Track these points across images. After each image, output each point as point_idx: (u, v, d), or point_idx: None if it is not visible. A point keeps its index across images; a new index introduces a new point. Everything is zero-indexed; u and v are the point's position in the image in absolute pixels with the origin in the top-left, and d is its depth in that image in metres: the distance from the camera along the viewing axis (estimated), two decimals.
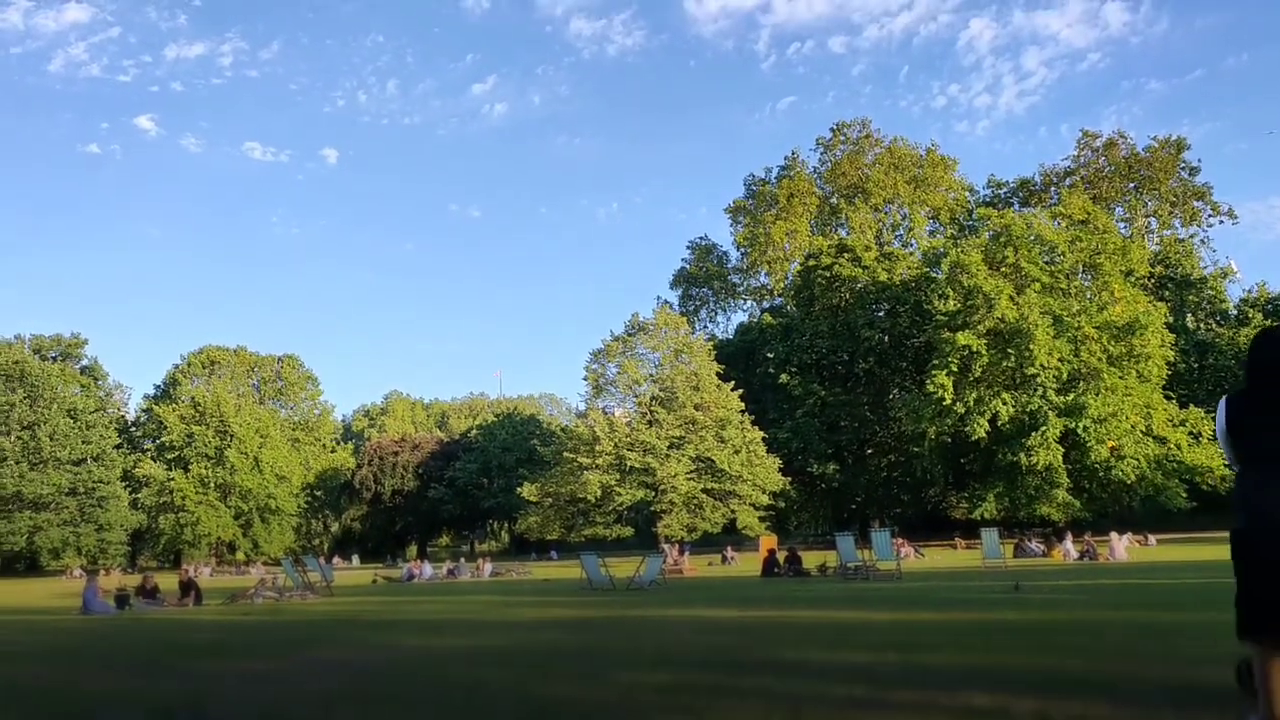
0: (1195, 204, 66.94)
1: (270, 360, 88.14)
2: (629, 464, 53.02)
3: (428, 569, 40.08)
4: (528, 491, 56.11)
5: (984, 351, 49.39)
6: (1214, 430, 45.33)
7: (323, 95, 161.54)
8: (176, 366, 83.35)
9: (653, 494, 53.56)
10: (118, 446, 74.96)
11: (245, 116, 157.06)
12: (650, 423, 55.20)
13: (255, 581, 29.30)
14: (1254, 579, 4.10)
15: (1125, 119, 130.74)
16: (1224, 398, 4.48)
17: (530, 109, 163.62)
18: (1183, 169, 66.57)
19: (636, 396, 58.09)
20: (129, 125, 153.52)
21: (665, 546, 47.18)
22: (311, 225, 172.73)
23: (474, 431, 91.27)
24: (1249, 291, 65.33)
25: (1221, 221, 67.70)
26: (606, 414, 57.18)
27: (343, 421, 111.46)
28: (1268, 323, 59.50)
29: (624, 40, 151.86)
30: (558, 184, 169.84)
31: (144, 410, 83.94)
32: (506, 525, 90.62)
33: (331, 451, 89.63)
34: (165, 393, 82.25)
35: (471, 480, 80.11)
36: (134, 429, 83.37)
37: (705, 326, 76.54)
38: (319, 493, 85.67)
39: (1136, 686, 5.07)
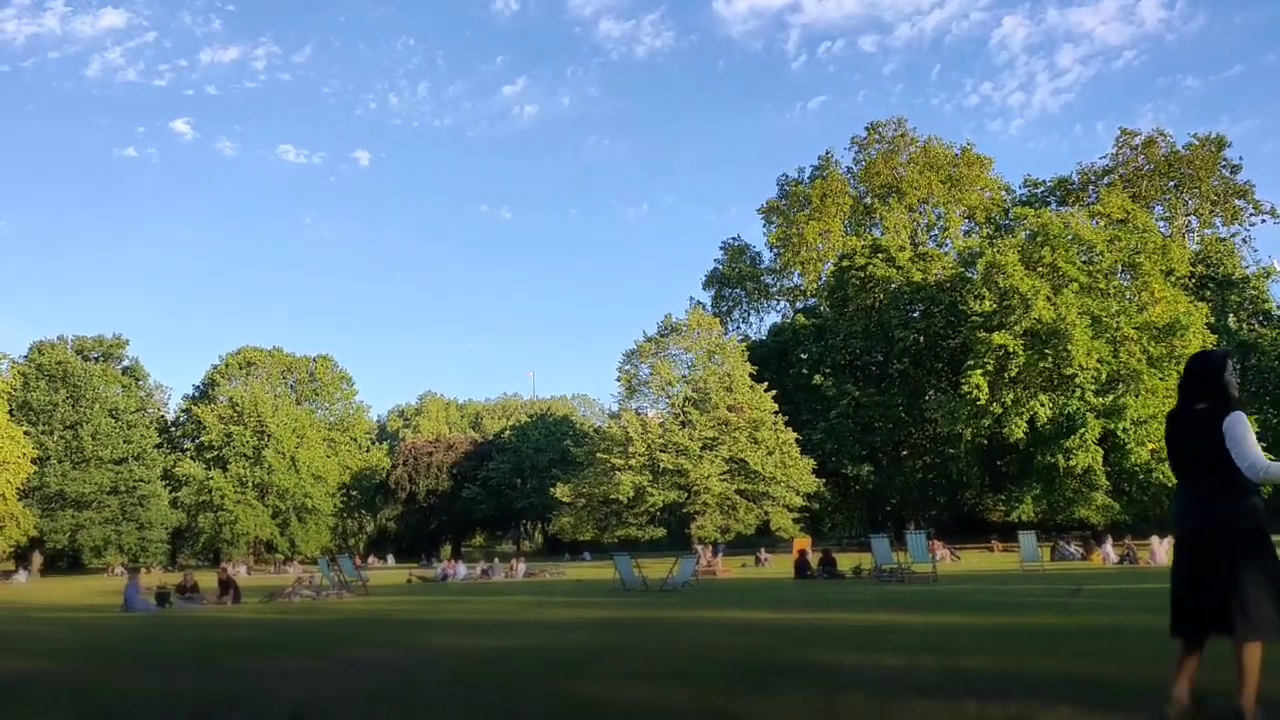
0: (1237, 202, 65.87)
1: (305, 361, 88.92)
2: (662, 465, 52.98)
3: (461, 569, 40.31)
4: (561, 492, 56.24)
5: (1020, 352, 48.87)
6: (1256, 433, 44.99)
7: (355, 98, 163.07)
8: (214, 367, 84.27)
9: (686, 495, 53.48)
10: (158, 446, 75.97)
11: (279, 120, 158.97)
12: (683, 424, 55.12)
13: (292, 580, 29.62)
14: (1172, 584, 4.82)
15: (1162, 116, 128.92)
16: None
17: (560, 110, 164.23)
18: (1223, 167, 65.53)
19: (669, 397, 58.03)
20: (165, 129, 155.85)
21: (698, 548, 47.10)
22: (344, 227, 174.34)
23: (507, 432, 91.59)
24: None
25: (1264, 220, 66.53)
26: (639, 415, 57.17)
27: (378, 422, 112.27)
28: None
29: (653, 41, 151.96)
30: (588, 185, 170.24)
31: (183, 410, 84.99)
32: (540, 526, 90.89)
33: (366, 451, 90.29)
34: (204, 393, 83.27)
35: (505, 480, 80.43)
36: (173, 429, 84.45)
37: (738, 327, 76.35)
38: (354, 492, 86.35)
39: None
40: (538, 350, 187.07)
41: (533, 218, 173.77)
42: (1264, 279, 63.56)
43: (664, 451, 53.18)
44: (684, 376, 58.16)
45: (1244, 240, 66.11)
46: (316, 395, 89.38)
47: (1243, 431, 4.63)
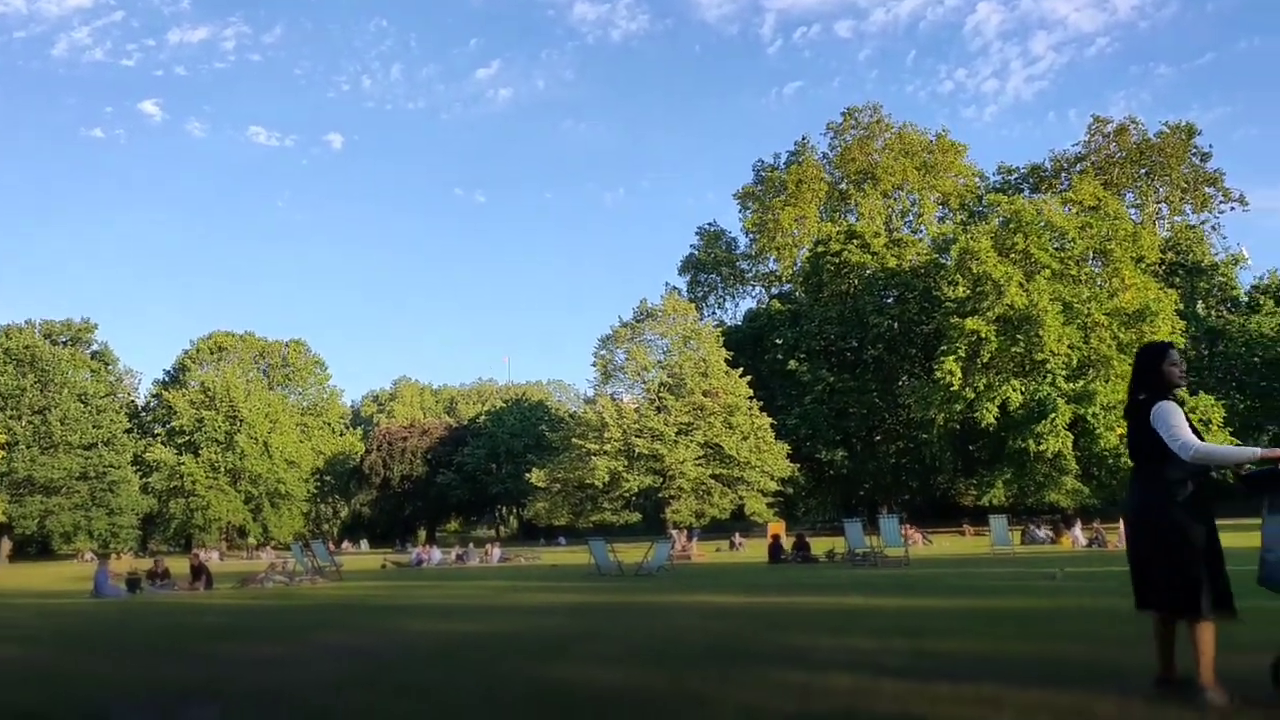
0: (1206, 190, 66.50)
1: (278, 345, 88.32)
2: (637, 450, 53.10)
3: (436, 554, 40.23)
4: (536, 477, 56.24)
5: (993, 338, 49.26)
6: (1223, 418, 45.28)
7: (326, 80, 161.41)
8: (185, 352, 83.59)
9: (661, 480, 53.64)
10: (128, 431, 75.28)
11: (249, 101, 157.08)
12: (658, 409, 55.24)
13: (265, 566, 29.49)
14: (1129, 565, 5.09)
15: (1134, 104, 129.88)
16: None
17: (535, 94, 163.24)
18: (1194, 155, 66.12)
19: (645, 383, 58.12)
20: (133, 110, 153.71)
21: (673, 532, 47.24)
22: (317, 210, 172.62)
23: (482, 417, 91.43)
24: (1260, 278, 64.94)
25: (1233, 208, 67.19)
26: (615, 400, 57.24)
27: (352, 407, 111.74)
28: (1279, 310, 59.25)
29: (628, 25, 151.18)
30: (563, 169, 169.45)
31: (154, 395, 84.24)
32: (515, 511, 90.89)
33: (340, 436, 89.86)
34: (174, 378, 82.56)
35: (480, 466, 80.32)
36: (144, 414, 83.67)
37: (713, 313, 76.47)
38: (328, 478, 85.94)
39: (1142, 675, 5.09)
40: (513, 335, 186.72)
41: (508, 202, 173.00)
42: (1232, 266, 64.34)
43: (639, 436, 53.28)
44: (659, 362, 58.24)
45: (1213, 228, 66.85)
46: (289, 380, 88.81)
47: (1168, 416, 4.83)
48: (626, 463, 53.32)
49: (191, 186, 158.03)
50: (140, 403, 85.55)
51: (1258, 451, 4.75)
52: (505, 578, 23.77)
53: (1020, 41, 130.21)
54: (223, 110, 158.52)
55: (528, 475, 58.14)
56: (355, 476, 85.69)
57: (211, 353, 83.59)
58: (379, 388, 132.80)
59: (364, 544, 72.59)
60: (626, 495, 54.80)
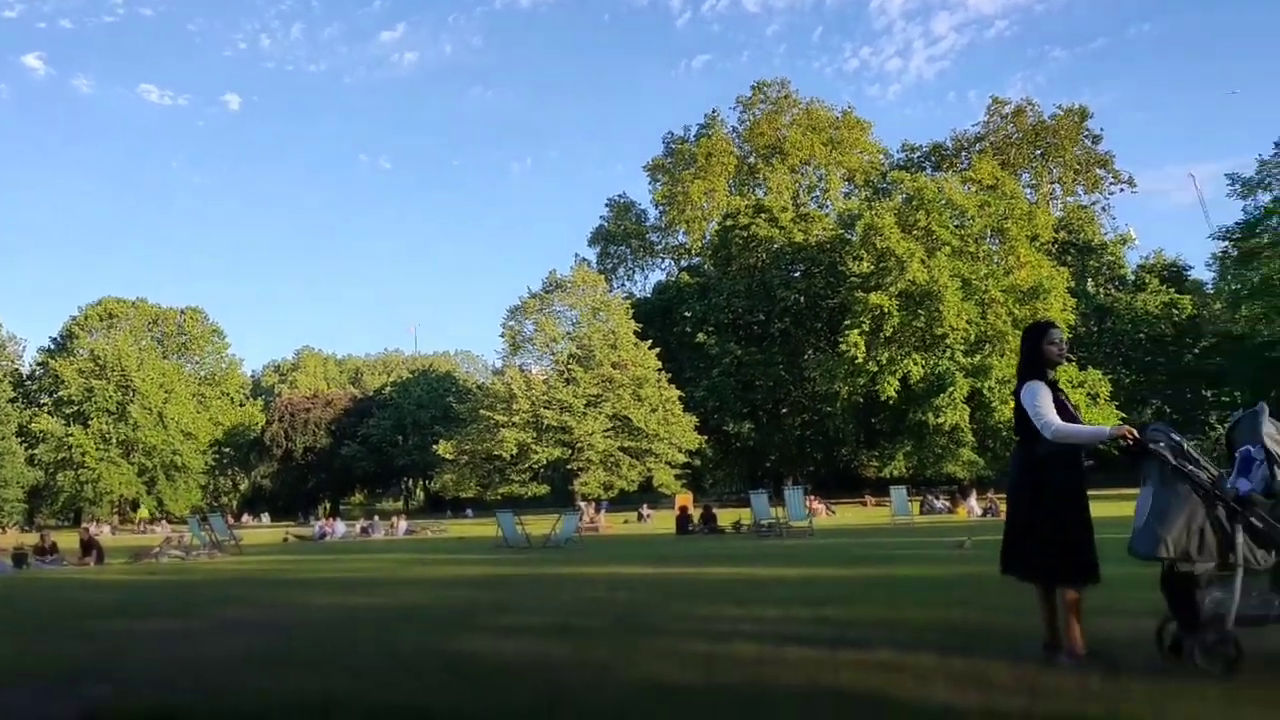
0: (1098, 172, 68.88)
1: (173, 313, 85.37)
2: (546, 422, 52.98)
3: (341, 527, 39.63)
4: (443, 449, 55.71)
5: (895, 312, 50.41)
6: (1109, 391, 47.05)
7: (223, 38, 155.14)
8: (73, 319, 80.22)
9: (569, 452, 53.65)
10: (12, 401, 72.10)
11: (140, 57, 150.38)
12: (567, 381, 55.16)
13: (160, 540, 28.65)
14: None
15: (1031, 87, 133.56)
16: None
17: (441, 59, 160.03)
18: (1086, 137, 68.36)
19: (554, 354, 57.95)
20: (15, 64, 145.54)
21: (581, 504, 47.44)
22: (214, 173, 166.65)
23: (388, 388, 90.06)
24: (1146, 258, 67.86)
25: (1122, 189, 69.80)
26: (523, 371, 56.95)
27: (252, 377, 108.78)
28: (1163, 289, 61.92)
29: None
30: (471, 137, 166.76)
31: (39, 364, 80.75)
32: (422, 483, 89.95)
33: (240, 407, 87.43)
34: (62, 346, 79.19)
35: (386, 437, 79.20)
36: (29, 383, 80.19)
37: (623, 285, 76.51)
38: (227, 450, 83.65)
39: (1034, 641, 5.29)
40: (420, 305, 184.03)
41: (414, 169, 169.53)
42: (1120, 246, 66.96)
43: (548, 408, 53.15)
44: (568, 333, 58.10)
45: (1103, 208, 69.41)
46: (186, 349, 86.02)
47: (1033, 397, 5.13)
48: (535, 435, 53.17)
49: (79, 145, 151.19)
50: (25, 371, 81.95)
51: (1107, 431, 5.07)
52: (411, 550, 23.54)
53: (923, 22, 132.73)
54: (112, 66, 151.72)
55: (435, 447, 57.57)
56: (256, 448, 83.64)
57: (101, 320, 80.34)
58: (281, 357, 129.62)
59: (265, 517, 71.00)
60: (535, 467, 54.69)
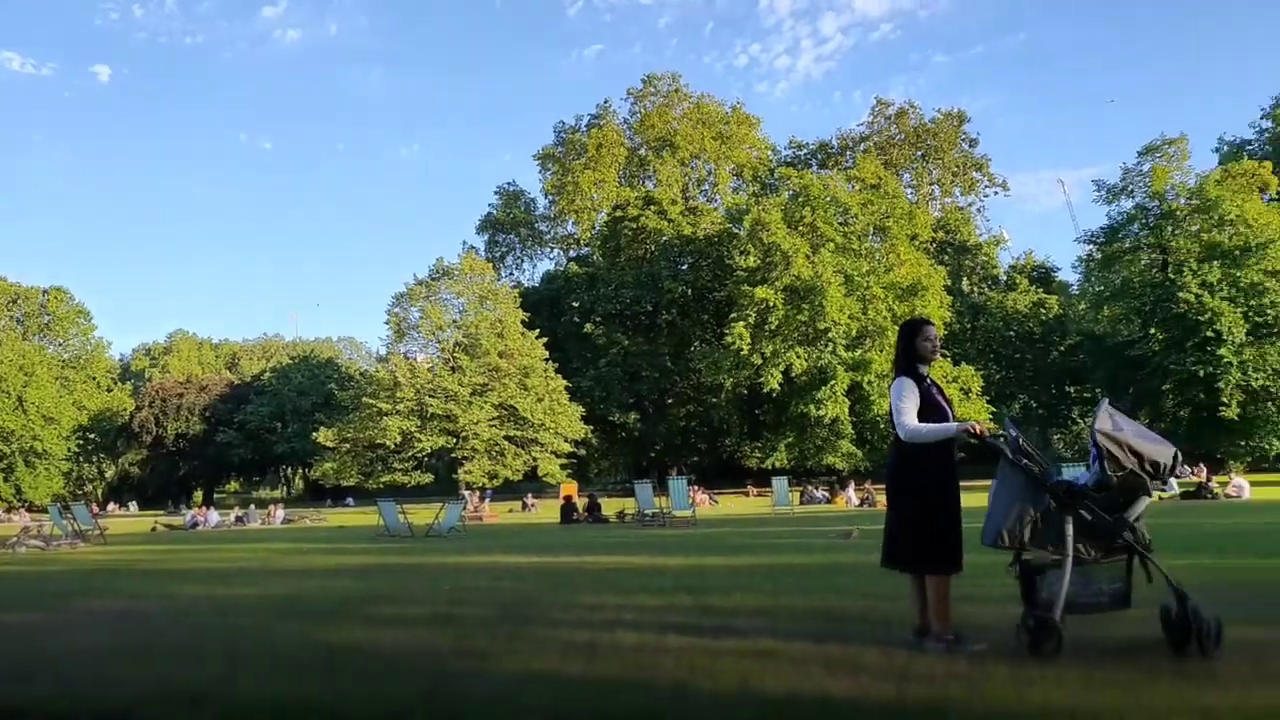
0: (974, 174, 71.51)
1: (34, 293, 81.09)
2: (430, 410, 52.29)
3: (214, 516, 38.42)
4: (324, 436, 54.44)
5: (780, 306, 51.37)
6: (981, 386, 48.89)
7: (92, 6, 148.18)
8: None
9: (454, 441, 53.08)
10: None
11: (0, 23, 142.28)
12: (453, 369, 54.55)
13: (18, 530, 27.24)
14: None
15: (913, 90, 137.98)
16: None
17: (326, 38, 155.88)
18: (964, 141, 70.90)
19: (440, 342, 57.21)
20: None
21: (466, 493, 47.02)
22: (81, 147, 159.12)
23: (267, 374, 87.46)
24: (1017, 259, 70.90)
25: (996, 192, 72.67)
26: (408, 359, 56.07)
27: (120, 361, 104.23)
28: (1033, 289, 64.75)
29: None
30: (356, 119, 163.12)
31: None
32: (301, 471, 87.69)
33: (108, 392, 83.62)
34: None
35: (263, 424, 76.90)
36: None
37: (511, 274, 75.99)
38: (93, 436, 79.94)
39: (907, 625, 5.49)
40: (302, 290, 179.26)
41: (296, 150, 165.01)
42: (994, 247, 69.74)
43: (433, 396, 52.46)
44: (455, 321, 57.40)
45: (979, 210, 72.11)
46: (48, 330, 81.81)
47: (896, 397, 5.37)
48: (419, 423, 52.43)
49: None
50: None
51: (954, 428, 5.27)
52: (289, 540, 22.94)
53: (811, 22, 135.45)
54: None
55: (315, 435, 56.19)
56: (123, 434, 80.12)
57: None
58: (152, 340, 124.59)
59: (133, 506, 68.21)
60: (418, 456, 53.94)
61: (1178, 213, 50.93)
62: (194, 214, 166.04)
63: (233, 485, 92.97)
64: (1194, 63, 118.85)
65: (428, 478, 57.74)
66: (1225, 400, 45.96)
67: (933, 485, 5.28)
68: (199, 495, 79.23)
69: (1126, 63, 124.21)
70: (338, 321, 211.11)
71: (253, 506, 46.83)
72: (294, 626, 7.04)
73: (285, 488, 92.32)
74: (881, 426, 51.64)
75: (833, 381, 50.29)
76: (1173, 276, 49.93)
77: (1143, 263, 53.98)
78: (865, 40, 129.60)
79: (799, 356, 51.39)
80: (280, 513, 39.14)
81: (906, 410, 5.26)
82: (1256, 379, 46.35)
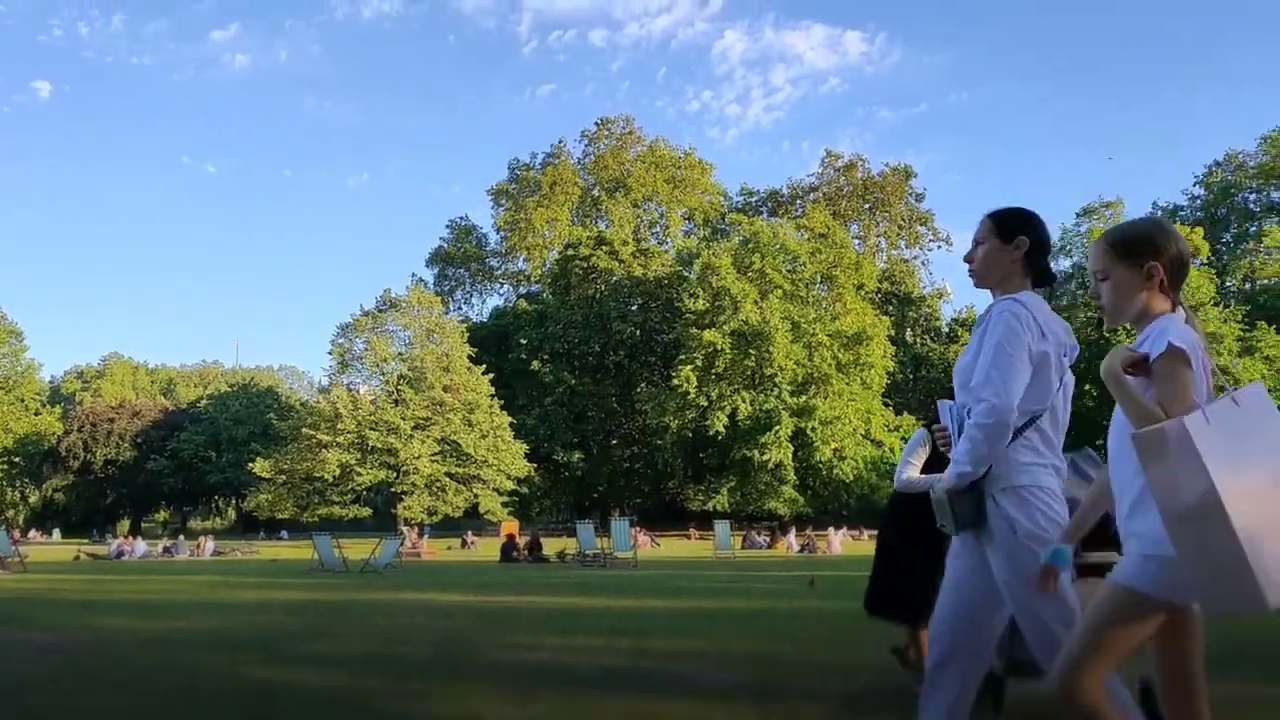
0: (919, 228, 72.91)
1: None
2: (371, 443, 51.61)
3: (141, 546, 37.38)
4: (260, 467, 53.39)
5: (727, 350, 51.71)
6: None
7: (36, 22, 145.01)
8: None
9: (394, 475, 52.40)
10: None
11: None
12: (396, 402, 53.97)
13: None
14: None
15: (859, 143, 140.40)
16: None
17: (276, 65, 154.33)
18: (910, 195, 72.32)
19: (384, 374, 56.66)
20: None
21: (404, 529, 46.33)
22: (17, 165, 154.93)
23: (204, 401, 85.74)
24: (959, 312, 72.12)
25: (940, 246, 74.12)
26: (351, 391, 55.39)
27: (51, 383, 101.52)
28: None
29: (380, 5, 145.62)
30: (304, 146, 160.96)
31: None
32: (234, 502, 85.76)
33: (36, 415, 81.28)
34: None
35: (197, 453, 75.20)
36: None
37: (460, 308, 75.68)
38: (17, 459, 77.51)
39: (844, 672, 5.47)
40: (244, 317, 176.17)
41: (242, 175, 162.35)
42: (937, 299, 71.11)
43: (374, 429, 51.81)
44: (400, 354, 56.95)
45: (923, 263, 73.50)
46: None
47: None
48: (359, 456, 51.71)
49: None
50: None
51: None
52: (218, 573, 22.36)
53: (762, 72, 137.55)
54: None
55: (251, 465, 55.09)
56: (49, 459, 77.81)
57: None
58: (85, 363, 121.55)
59: (56, 534, 66.13)
60: (357, 489, 53.13)
61: None
62: (133, 235, 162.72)
63: (162, 515, 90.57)
64: (1131, 128, 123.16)
65: (366, 512, 56.85)
66: None
67: (922, 534, 4.91)
68: (126, 524, 77.05)
69: (1067, 127, 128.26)
70: (281, 350, 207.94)
71: (181, 537, 45.68)
72: (223, 663, 6.83)
73: (217, 519, 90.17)
74: (823, 473, 52.06)
75: (777, 426, 50.61)
76: (1107, 335, 51.17)
77: (1080, 320, 55.26)
78: (814, 93, 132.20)
79: (744, 400, 51.68)
80: (210, 544, 38.20)
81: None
82: None
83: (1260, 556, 2.07)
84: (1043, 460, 2.94)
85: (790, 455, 51.19)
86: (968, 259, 3.33)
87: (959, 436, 3.01)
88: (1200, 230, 54.23)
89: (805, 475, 52.83)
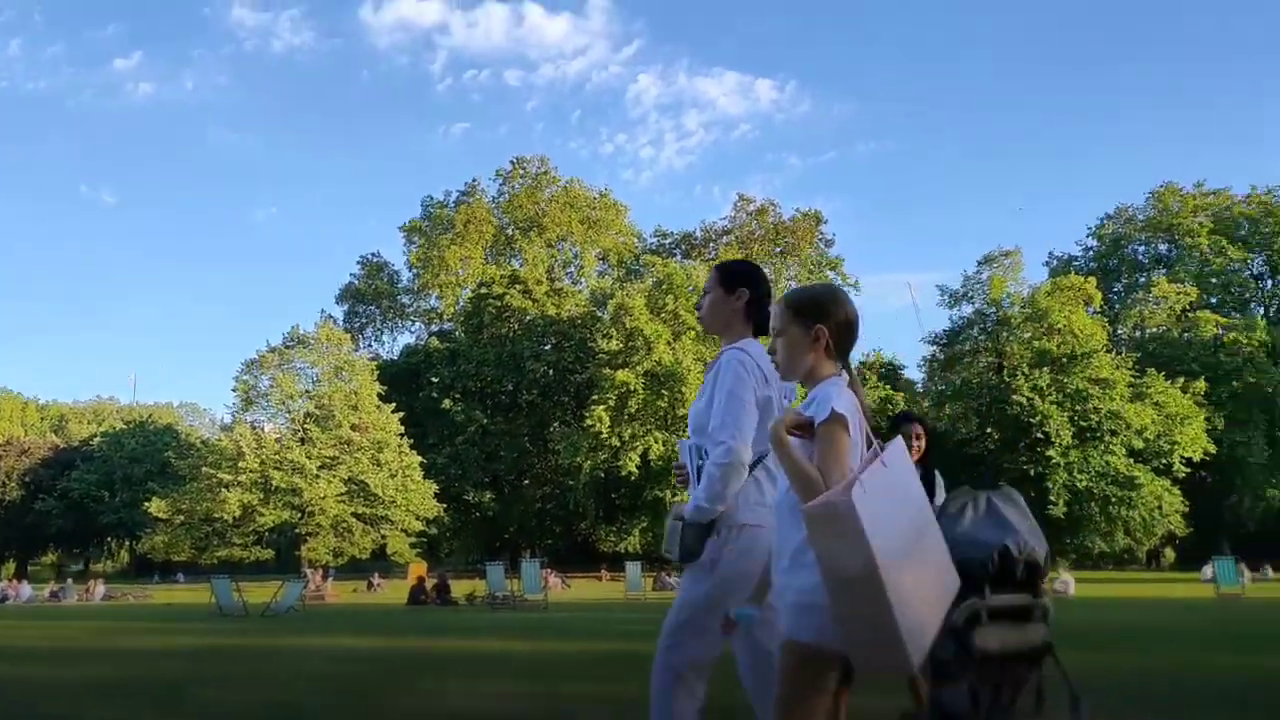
0: (829, 273, 74.42)
1: None
2: (275, 483, 50.31)
3: (26, 590, 35.80)
4: (156, 507, 51.47)
5: (640, 391, 51.94)
6: None
7: None
8: None
9: (299, 516, 51.13)
10: None
11: None
12: (302, 440, 52.78)
13: None
14: None
15: (770, 188, 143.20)
16: None
17: (182, 94, 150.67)
18: (820, 240, 73.90)
19: (290, 412, 55.42)
20: None
21: (308, 571, 45.18)
22: None
23: (97, 439, 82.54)
24: (867, 356, 73.62)
25: (848, 291, 75.71)
26: (255, 429, 54.02)
27: None
28: (881, 385, 67.32)
29: (291, 38, 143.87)
30: (210, 178, 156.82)
31: None
32: (128, 544, 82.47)
33: None
34: None
35: (89, 492, 72.22)
36: None
37: (370, 345, 74.56)
38: None
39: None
40: (143, 352, 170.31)
41: (142, 206, 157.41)
42: None
43: (278, 469, 50.54)
44: (307, 391, 55.79)
45: None
46: None
47: None
48: (262, 496, 50.34)
49: None
50: None
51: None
52: (110, 617, 21.47)
53: (674, 116, 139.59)
54: None
55: (146, 505, 53.11)
56: None
57: None
58: None
59: None
60: (259, 530, 51.67)
61: (1012, 320, 54.25)
62: (24, 265, 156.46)
63: (50, 557, 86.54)
64: (1031, 180, 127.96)
65: (268, 554, 55.27)
66: (1053, 499, 48.53)
67: None
68: (11, 567, 73.47)
69: (971, 176, 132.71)
70: (181, 387, 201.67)
71: (70, 581, 43.79)
72: (114, 714, 6.56)
73: (109, 561, 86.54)
74: None
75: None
76: (1007, 379, 52.88)
77: (981, 365, 57.03)
78: (725, 138, 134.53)
79: (657, 441, 51.87)
80: (101, 588, 36.72)
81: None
82: (1081, 480, 49.22)
83: (907, 621, 2.22)
84: (766, 500, 3.15)
85: None
86: (697, 306, 3.66)
87: (696, 476, 3.25)
88: (1093, 280, 56.59)
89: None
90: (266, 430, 54.65)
